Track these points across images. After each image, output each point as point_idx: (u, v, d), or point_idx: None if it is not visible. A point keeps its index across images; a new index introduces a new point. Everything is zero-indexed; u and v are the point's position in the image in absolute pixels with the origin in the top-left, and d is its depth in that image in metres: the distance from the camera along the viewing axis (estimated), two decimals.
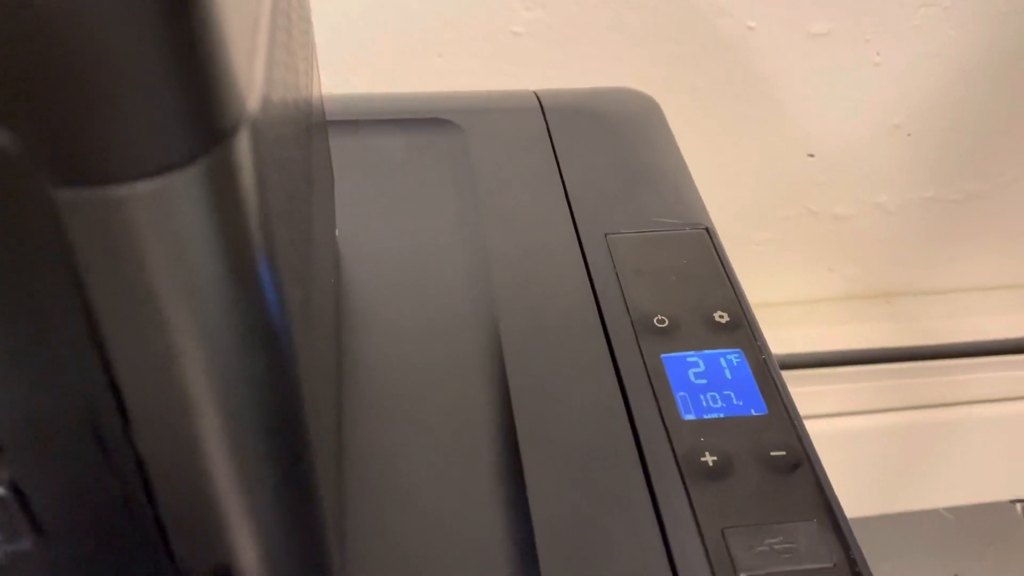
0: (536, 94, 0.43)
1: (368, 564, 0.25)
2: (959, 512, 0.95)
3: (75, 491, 0.15)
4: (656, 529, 0.26)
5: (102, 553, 0.17)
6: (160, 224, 0.12)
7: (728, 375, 0.30)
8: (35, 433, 0.15)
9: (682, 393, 0.30)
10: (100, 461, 0.15)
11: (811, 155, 0.74)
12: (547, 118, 0.42)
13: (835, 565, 0.25)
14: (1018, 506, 0.97)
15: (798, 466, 0.28)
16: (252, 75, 0.14)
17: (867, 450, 0.86)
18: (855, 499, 0.86)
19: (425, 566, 0.25)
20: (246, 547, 0.17)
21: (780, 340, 0.80)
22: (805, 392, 0.78)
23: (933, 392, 0.84)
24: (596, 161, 0.39)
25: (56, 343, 0.13)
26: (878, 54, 0.68)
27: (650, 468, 0.27)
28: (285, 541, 0.18)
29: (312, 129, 0.24)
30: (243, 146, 0.12)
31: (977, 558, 0.94)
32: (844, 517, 0.27)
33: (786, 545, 0.26)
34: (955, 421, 0.86)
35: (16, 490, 0.15)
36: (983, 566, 0.93)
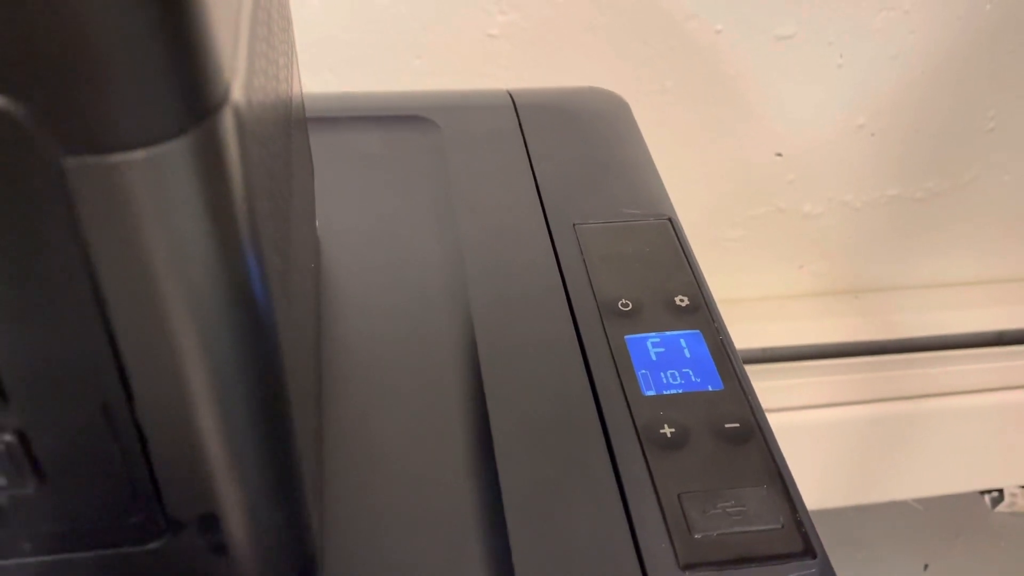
0: (509, 93, 0.45)
1: (344, 524, 0.26)
2: (928, 503, 0.97)
3: (75, 440, 0.17)
4: (617, 494, 0.27)
5: (98, 500, 0.18)
6: (154, 189, 0.14)
7: (687, 354, 0.32)
8: (41, 385, 0.16)
9: (643, 371, 0.31)
10: (99, 412, 0.17)
11: (779, 154, 0.76)
12: (520, 116, 0.43)
13: (783, 526, 0.27)
14: (986, 497, 0.99)
15: (750, 437, 0.29)
16: (236, 61, 0.15)
17: (837, 442, 0.87)
18: (826, 490, 0.88)
19: (399, 527, 0.26)
20: (230, 497, 0.19)
21: (751, 335, 0.81)
22: (777, 386, 0.80)
23: (901, 385, 0.86)
24: (566, 156, 0.41)
25: (61, 300, 0.15)
26: (841, 56, 0.70)
27: (612, 439, 0.29)
28: (266, 492, 0.19)
29: (291, 119, 0.26)
30: (228, 121, 0.14)
31: (947, 548, 0.95)
32: (793, 483, 0.28)
33: (737, 508, 0.27)
34: (923, 413, 0.87)
35: (22, 437, 0.16)
36: (952, 556, 0.95)
